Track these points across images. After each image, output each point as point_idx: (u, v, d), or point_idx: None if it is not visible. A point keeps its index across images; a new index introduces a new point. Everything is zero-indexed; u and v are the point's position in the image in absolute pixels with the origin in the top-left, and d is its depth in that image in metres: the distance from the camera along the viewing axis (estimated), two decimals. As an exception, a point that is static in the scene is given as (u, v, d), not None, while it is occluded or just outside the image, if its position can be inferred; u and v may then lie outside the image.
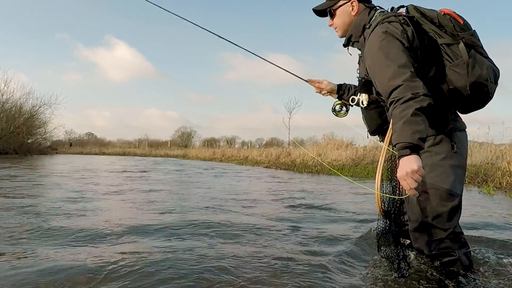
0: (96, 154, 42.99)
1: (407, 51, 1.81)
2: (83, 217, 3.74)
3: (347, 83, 2.52)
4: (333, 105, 2.51)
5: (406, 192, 1.67)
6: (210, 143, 54.02)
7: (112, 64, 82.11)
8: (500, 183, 7.65)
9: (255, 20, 77.60)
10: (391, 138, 1.78)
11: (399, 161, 1.66)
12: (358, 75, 2.19)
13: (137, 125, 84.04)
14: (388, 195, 1.87)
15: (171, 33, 79.05)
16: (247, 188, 6.94)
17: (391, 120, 1.75)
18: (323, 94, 2.54)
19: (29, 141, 33.05)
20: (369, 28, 1.99)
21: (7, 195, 5.25)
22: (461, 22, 1.89)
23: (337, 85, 2.51)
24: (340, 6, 2.13)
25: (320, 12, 2.23)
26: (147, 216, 3.88)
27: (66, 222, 3.44)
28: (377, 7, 2.14)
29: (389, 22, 1.89)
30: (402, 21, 1.89)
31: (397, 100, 1.71)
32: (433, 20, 1.91)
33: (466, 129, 2.06)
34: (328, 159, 15.53)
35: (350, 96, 2.47)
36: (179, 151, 38.99)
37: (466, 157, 2.02)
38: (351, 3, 2.11)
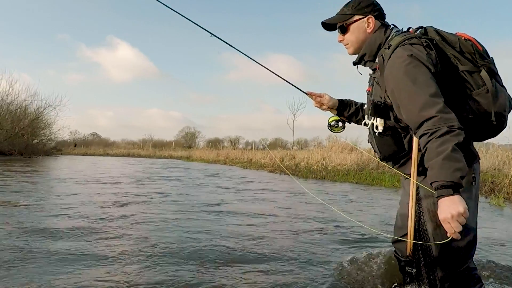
0: (100, 155, 43.12)
1: (434, 78, 1.72)
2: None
3: (348, 98, 2.42)
4: (329, 120, 2.41)
5: (448, 235, 1.59)
6: (214, 143, 54.13)
7: (115, 64, 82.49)
8: (508, 193, 7.53)
9: (255, 20, 77.61)
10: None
11: (438, 201, 1.58)
12: (371, 97, 2.05)
13: (140, 125, 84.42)
14: (429, 243, 1.79)
15: (172, 33, 79.35)
16: (272, 212, 6.71)
17: (426, 154, 1.64)
18: (322, 109, 2.42)
19: (34, 141, 33.18)
20: (388, 48, 1.87)
21: None
22: (481, 49, 1.82)
23: (338, 100, 2.40)
24: (355, 21, 2.00)
25: (329, 26, 2.10)
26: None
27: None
28: (392, 26, 2.03)
29: (411, 44, 1.79)
30: (425, 44, 1.80)
31: (432, 133, 1.62)
32: (454, 44, 1.82)
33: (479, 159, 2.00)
34: (333, 163, 15.46)
35: (355, 116, 2.39)
36: (183, 152, 39.02)
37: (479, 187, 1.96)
38: (367, 19, 1.98)
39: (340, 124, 2.40)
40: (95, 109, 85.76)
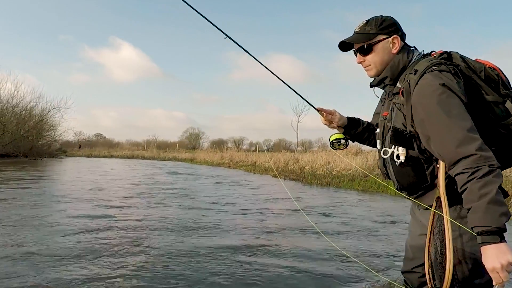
0: (104, 156, 43.23)
1: (466, 110, 1.63)
2: None
3: (355, 116, 2.32)
4: (331, 138, 2.31)
5: (494, 284, 1.51)
6: (218, 144, 54.16)
7: (118, 64, 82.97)
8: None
9: (258, 20, 77.80)
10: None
11: (481, 247, 1.50)
12: (388, 122, 1.92)
13: (144, 125, 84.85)
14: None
15: (175, 33, 79.75)
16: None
17: (466, 195, 1.54)
18: (331, 127, 2.30)
19: (39, 143, 33.33)
20: (414, 74, 1.75)
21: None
22: (504, 78, 1.75)
23: (347, 118, 2.29)
24: (379, 41, 1.87)
25: (345, 45, 1.97)
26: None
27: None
28: (413, 48, 1.93)
29: (440, 71, 1.68)
30: (453, 71, 1.69)
31: (473, 173, 1.52)
32: (479, 73, 1.73)
33: None
34: (338, 168, 15.37)
35: (361, 136, 2.30)
36: (187, 154, 39.07)
37: None
38: (392, 39, 1.86)
39: (343, 141, 2.29)
40: (99, 110, 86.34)
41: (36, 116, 33.10)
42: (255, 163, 23.89)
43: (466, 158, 1.54)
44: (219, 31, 2.53)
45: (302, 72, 76.08)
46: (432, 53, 1.88)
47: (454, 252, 1.73)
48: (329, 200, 8.78)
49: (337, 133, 2.30)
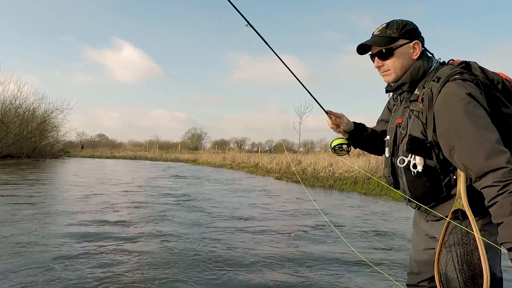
0: (107, 157, 43.28)
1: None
2: None
3: (360, 122, 2.27)
4: (332, 143, 2.26)
5: None
6: (220, 145, 54.14)
7: (119, 65, 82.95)
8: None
9: (259, 20, 77.47)
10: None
11: None
12: (403, 130, 1.87)
13: (146, 125, 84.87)
14: None
15: (175, 33, 79.57)
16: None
17: (495, 209, 1.51)
18: (337, 131, 2.24)
19: (42, 143, 33.40)
20: (436, 81, 1.70)
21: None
22: None
23: (353, 123, 2.24)
24: (401, 45, 1.81)
25: (363, 48, 1.91)
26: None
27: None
28: (431, 55, 1.88)
29: (463, 80, 1.64)
30: (475, 82, 1.66)
31: (504, 186, 1.48)
32: (497, 85, 1.69)
33: None
34: (340, 170, 15.35)
35: (365, 143, 2.26)
36: (190, 155, 39.08)
37: None
38: (413, 44, 1.80)
39: (345, 147, 2.24)
40: (101, 110, 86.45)
41: (39, 117, 33.23)
42: (257, 164, 23.88)
43: (495, 171, 1.50)
44: (240, 17, 2.31)
45: (302, 72, 75.59)
46: (450, 61, 1.83)
47: (470, 265, 1.67)
48: (353, 211, 8.65)
49: (339, 137, 2.26)
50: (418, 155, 1.76)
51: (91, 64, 78.99)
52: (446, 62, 1.85)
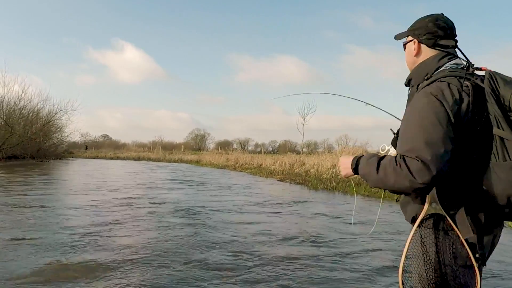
0: (111, 158, 43.41)
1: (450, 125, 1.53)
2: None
3: None
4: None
5: None
6: (224, 146, 54.21)
7: (122, 66, 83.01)
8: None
9: (263, 21, 77.56)
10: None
11: None
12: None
13: (149, 126, 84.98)
14: None
15: (178, 34, 79.44)
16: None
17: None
18: None
19: (46, 144, 33.53)
20: (426, 80, 1.68)
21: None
22: None
23: None
24: (408, 42, 1.88)
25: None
26: None
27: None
28: (452, 56, 1.75)
29: (448, 83, 1.60)
30: (464, 89, 1.58)
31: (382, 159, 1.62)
32: (504, 100, 1.54)
33: None
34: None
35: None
36: (193, 156, 39.12)
37: None
38: (414, 42, 1.83)
39: None
40: (105, 111, 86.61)
41: (43, 118, 33.35)
42: (260, 165, 23.85)
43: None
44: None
45: (306, 73, 75.86)
46: (483, 67, 1.68)
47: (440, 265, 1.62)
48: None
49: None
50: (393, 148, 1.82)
51: (94, 65, 79.17)
52: (466, 66, 1.70)
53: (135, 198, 9.42)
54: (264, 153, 40.93)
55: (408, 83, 1.90)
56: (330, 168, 16.74)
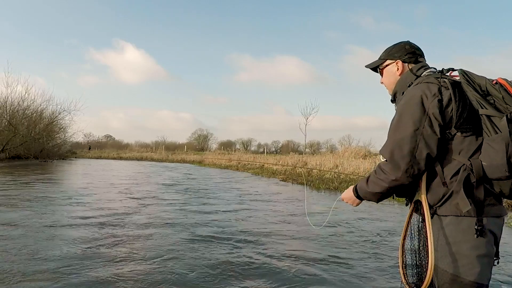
0: (114, 158, 43.52)
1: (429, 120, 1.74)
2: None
3: None
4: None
5: None
6: (226, 146, 54.27)
7: (123, 66, 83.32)
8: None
9: (263, 21, 77.68)
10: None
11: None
12: None
13: (152, 126, 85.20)
14: None
15: (179, 35, 79.65)
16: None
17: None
18: None
19: (49, 144, 33.66)
20: (409, 86, 1.91)
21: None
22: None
23: None
24: (387, 66, 2.12)
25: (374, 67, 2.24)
26: None
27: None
28: (427, 66, 2.02)
29: (428, 82, 1.81)
30: (442, 84, 1.78)
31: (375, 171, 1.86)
32: (481, 87, 1.74)
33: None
34: (346, 171, 15.29)
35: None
36: (196, 156, 39.18)
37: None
38: (396, 63, 2.07)
39: None
40: (108, 111, 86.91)
41: (46, 119, 33.48)
42: (263, 165, 23.85)
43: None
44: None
45: (308, 73, 75.98)
46: (450, 71, 1.89)
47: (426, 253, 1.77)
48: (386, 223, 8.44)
49: None
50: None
51: (96, 66, 79.49)
52: (440, 71, 1.93)
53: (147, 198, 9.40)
54: (266, 153, 40.96)
55: (394, 98, 2.11)
56: (332, 168, 16.72)
